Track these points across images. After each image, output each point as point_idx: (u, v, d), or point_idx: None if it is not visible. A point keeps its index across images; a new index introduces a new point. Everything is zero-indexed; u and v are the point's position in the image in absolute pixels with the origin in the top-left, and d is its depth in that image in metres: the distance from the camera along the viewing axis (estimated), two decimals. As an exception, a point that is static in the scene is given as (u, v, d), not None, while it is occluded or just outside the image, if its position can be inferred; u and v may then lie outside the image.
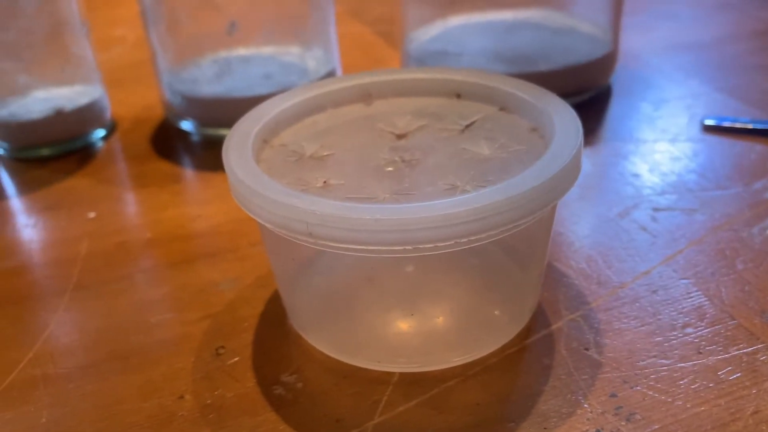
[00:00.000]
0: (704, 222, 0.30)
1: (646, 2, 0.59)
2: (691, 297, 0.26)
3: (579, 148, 0.22)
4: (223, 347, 0.25)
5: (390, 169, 0.24)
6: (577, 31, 0.44)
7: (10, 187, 0.38)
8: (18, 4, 0.39)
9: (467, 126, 0.26)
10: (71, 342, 0.26)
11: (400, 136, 0.26)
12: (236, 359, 0.25)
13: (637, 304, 0.26)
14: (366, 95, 0.28)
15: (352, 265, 0.27)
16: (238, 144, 0.24)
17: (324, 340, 0.25)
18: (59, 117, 0.40)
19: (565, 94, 0.40)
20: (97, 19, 0.65)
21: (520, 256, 0.26)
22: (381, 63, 0.50)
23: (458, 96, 0.28)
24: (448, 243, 0.20)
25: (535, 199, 0.20)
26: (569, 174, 0.21)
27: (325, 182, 0.23)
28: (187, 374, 0.24)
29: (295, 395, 0.23)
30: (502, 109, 0.27)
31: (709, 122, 0.38)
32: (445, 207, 0.19)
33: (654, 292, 0.26)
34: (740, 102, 0.41)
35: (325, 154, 0.25)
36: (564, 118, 0.24)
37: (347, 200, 0.22)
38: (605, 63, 0.42)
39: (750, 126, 0.37)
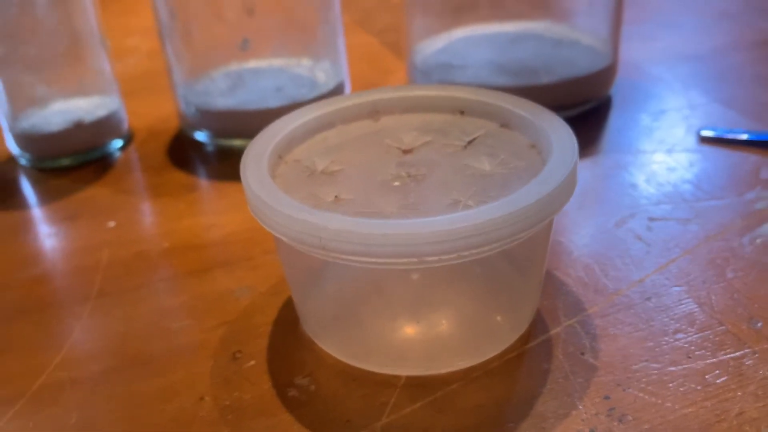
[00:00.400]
0: (697, 232, 0.31)
1: (648, 11, 0.60)
2: (683, 304, 0.27)
3: (574, 166, 0.23)
4: (240, 352, 0.27)
5: (397, 184, 0.26)
6: (579, 44, 0.45)
7: (32, 197, 0.40)
8: (38, 19, 0.40)
9: (470, 142, 0.28)
10: (96, 347, 0.28)
11: (406, 152, 0.28)
12: (252, 363, 0.26)
13: (632, 311, 0.27)
14: (374, 112, 0.30)
15: (361, 275, 0.28)
16: (255, 161, 0.25)
17: (335, 345, 0.26)
18: (78, 129, 0.41)
19: (566, 106, 0.42)
20: (111, 28, 0.67)
21: (520, 265, 0.28)
22: (388, 74, 0.52)
23: (462, 112, 0.29)
24: (452, 256, 0.21)
25: (532, 214, 0.22)
26: (565, 190, 0.23)
27: (336, 197, 0.25)
28: (206, 377, 0.26)
29: (308, 397, 0.24)
30: (503, 125, 0.28)
31: (706, 133, 0.39)
32: (448, 222, 0.21)
33: (647, 299, 0.28)
34: (738, 113, 0.42)
35: (335, 169, 0.27)
36: (561, 136, 0.25)
37: (357, 215, 0.23)
38: (605, 75, 0.43)
39: (745, 137, 0.39)
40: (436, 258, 0.21)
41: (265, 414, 0.24)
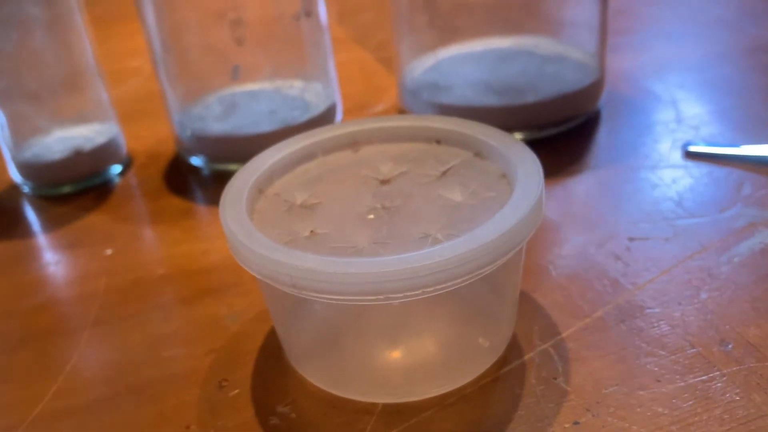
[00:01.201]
0: (675, 252, 0.32)
1: (640, 21, 0.61)
2: (655, 327, 0.28)
3: (538, 199, 0.24)
4: (225, 380, 0.28)
5: (371, 216, 0.26)
6: (566, 59, 0.46)
7: (35, 225, 0.41)
8: (37, 52, 0.42)
9: (444, 172, 0.28)
10: (92, 375, 0.29)
11: (383, 182, 0.29)
12: (237, 391, 0.27)
13: (605, 334, 0.28)
14: (353, 142, 0.31)
15: (338, 305, 0.29)
16: (234, 198, 0.26)
17: (315, 373, 0.27)
18: (78, 157, 0.43)
19: (554, 123, 0.42)
20: (115, 50, 0.69)
21: (496, 287, 0.29)
22: (381, 92, 0.53)
23: (438, 141, 0.30)
24: (417, 292, 0.22)
25: (495, 249, 0.22)
26: (528, 224, 0.24)
27: (311, 232, 0.26)
28: (193, 406, 0.27)
29: (288, 425, 0.25)
30: (476, 154, 0.29)
31: (690, 148, 0.40)
32: (413, 260, 0.22)
33: (622, 321, 0.28)
34: (726, 125, 0.42)
35: (313, 202, 0.28)
36: (528, 168, 0.26)
37: (331, 250, 0.24)
38: (593, 90, 0.44)
39: (729, 152, 0.39)
40: (400, 295, 0.22)
41: (248, 442, 0.25)
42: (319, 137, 0.30)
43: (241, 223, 0.25)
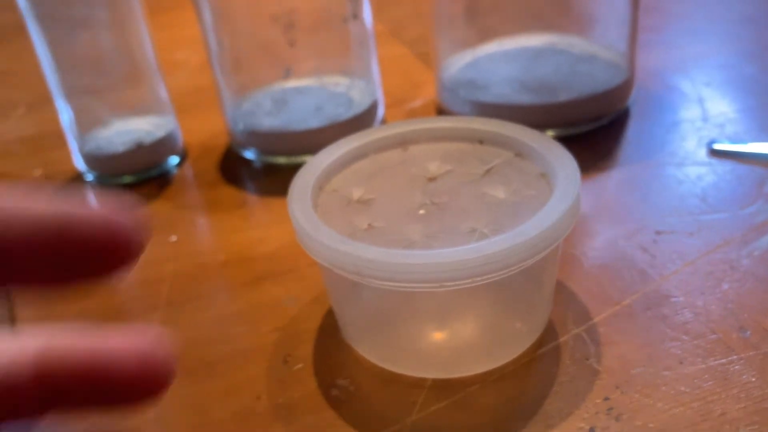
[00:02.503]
0: (699, 245, 0.35)
1: (667, 18, 0.62)
2: (679, 314, 0.31)
3: (576, 199, 0.27)
4: (289, 355, 0.31)
5: (422, 212, 0.29)
6: (597, 58, 0.48)
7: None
8: (102, 52, 0.45)
9: (487, 171, 0.31)
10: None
11: (431, 179, 0.31)
12: (300, 366, 0.30)
13: (633, 320, 0.31)
14: (403, 142, 0.34)
15: (392, 291, 0.32)
16: (300, 194, 0.29)
17: (370, 351, 0.30)
18: (139, 149, 0.46)
19: (585, 120, 0.45)
20: (159, 42, 0.72)
21: (535, 278, 0.32)
22: (418, 87, 0.55)
23: (480, 142, 0.33)
24: (467, 281, 0.25)
25: (536, 244, 0.25)
26: (566, 223, 0.26)
27: (369, 225, 0.29)
28: (262, 379, 0.30)
29: (348, 396, 0.29)
30: (517, 154, 0.32)
31: (715, 146, 0.42)
32: (463, 253, 0.25)
33: (648, 309, 0.31)
34: (751, 124, 0.45)
35: (369, 197, 0.31)
36: (566, 169, 0.29)
37: (388, 242, 0.27)
38: (623, 89, 0.46)
39: (752, 149, 0.41)
40: (452, 283, 0.25)
41: (312, 411, 0.28)
42: (371, 137, 0.33)
43: (308, 217, 0.28)
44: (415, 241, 0.27)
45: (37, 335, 0.16)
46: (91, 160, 0.47)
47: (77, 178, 0.48)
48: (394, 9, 0.72)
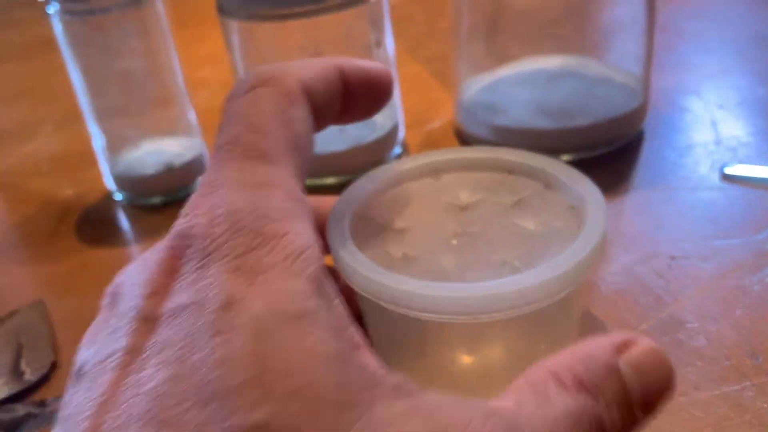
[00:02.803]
0: (712, 270, 0.36)
1: (680, 37, 0.64)
2: (694, 340, 0.32)
3: (605, 233, 0.28)
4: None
5: (455, 242, 0.31)
6: (612, 81, 0.49)
7: (129, 234, 0.46)
8: (134, 77, 0.47)
9: (517, 201, 0.33)
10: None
11: (462, 208, 0.33)
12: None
13: (651, 345, 0.32)
14: (435, 171, 0.35)
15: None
16: (337, 223, 0.31)
17: (401, 372, 0.32)
18: (169, 171, 0.48)
19: (600, 144, 0.46)
20: (181, 58, 0.73)
21: (564, 308, 0.33)
22: (436, 107, 0.57)
23: (509, 172, 0.34)
24: (499, 314, 0.26)
25: (568, 278, 0.27)
26: (596, 257, 0.28)
27: (404, 254, 0.30)
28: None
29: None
30: (546, 186, 0.33)
31: (728, 170, 0.44)
32: (497, 287, 0.26)
33: (665, 334, 0.33)
34: (764, 147, 0.46)
35: (403, 226, 0.32)
36: (594, 204, 0.30)
37: (423, 273, 0.29)
38: (638, 113, 0.48)
39: (764, 174, 0.43)
40: (486, 316, 0.26)
41: None
42: (406, 166, 0.35)
43: (346, 246, 0.29)
44: (449, 272, 0.29)
45: (331, 59, 0.26)
46: (122, 181, 0.49)
47: (107, 198, 0.50)
48: (410, 26, 0.74)
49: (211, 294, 0.19)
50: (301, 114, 0.24)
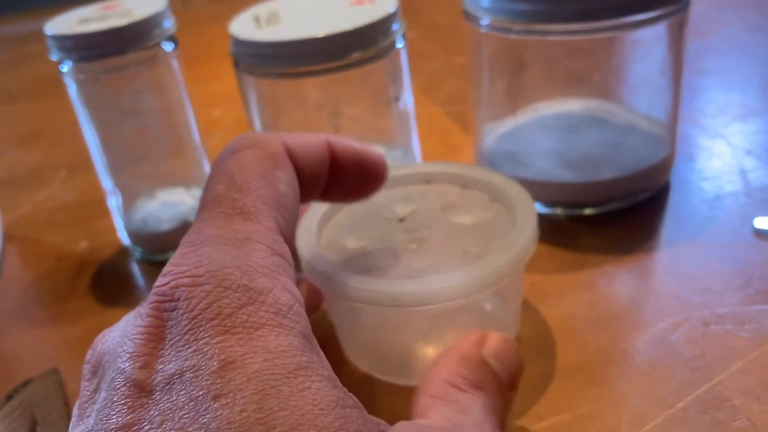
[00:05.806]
0: (749, 339, 0.35)
1: (703, 74, 0.62)
2: (736, 420, 0.31)
3: (536, 224, 0.32)
4: None
5: (414, 247, 0.34)
6: (638, 130, 0.48)
7: (145, 292, 0.45)
8: (150, 134, 0.46)
9: (444, 205, 0.36)
10: None
11: (401, 220, 0.35)
12: None
13: (689, 425, 0.31)
14: None
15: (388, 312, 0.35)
16: (306, 236, 0.33)
17: (363, 362, 0.34)
18: (185, 227, 0.47)
19: (626, 196, 0.45)
20: (194, 98, 0.73)
21: (504, 298, 0.35)
22: (456, 151, 0.56)
23: (428, 182, 0.37)
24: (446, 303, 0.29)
25: (504, 270, 0.30)
26: (529, 247, 0.31)
27: (375, 266, 0.33)
28: None
29: None
30: (463, 187, 0.36)
31: (759, 224, 0.42)
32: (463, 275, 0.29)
33: (704, 413, 0.31)
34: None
35: (361, 245, 0.34)
36: (515, 191, 0.34)
37: (403, 276, 0.32)
38: (665, 163, 0.46)
39: (798, 229, 0.41)
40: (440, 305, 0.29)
41: None
42: None
43: (318, 260, 0.31)
44: (424, 270, 0.32)
45: (321, 134, 0.27)
46: (137, 237, 0.48)
47: (122, 253, 0.49)
48: (425, 63, 0.73)
49: (204, 358, 0.19)
50: (284, 175, 0.24)
